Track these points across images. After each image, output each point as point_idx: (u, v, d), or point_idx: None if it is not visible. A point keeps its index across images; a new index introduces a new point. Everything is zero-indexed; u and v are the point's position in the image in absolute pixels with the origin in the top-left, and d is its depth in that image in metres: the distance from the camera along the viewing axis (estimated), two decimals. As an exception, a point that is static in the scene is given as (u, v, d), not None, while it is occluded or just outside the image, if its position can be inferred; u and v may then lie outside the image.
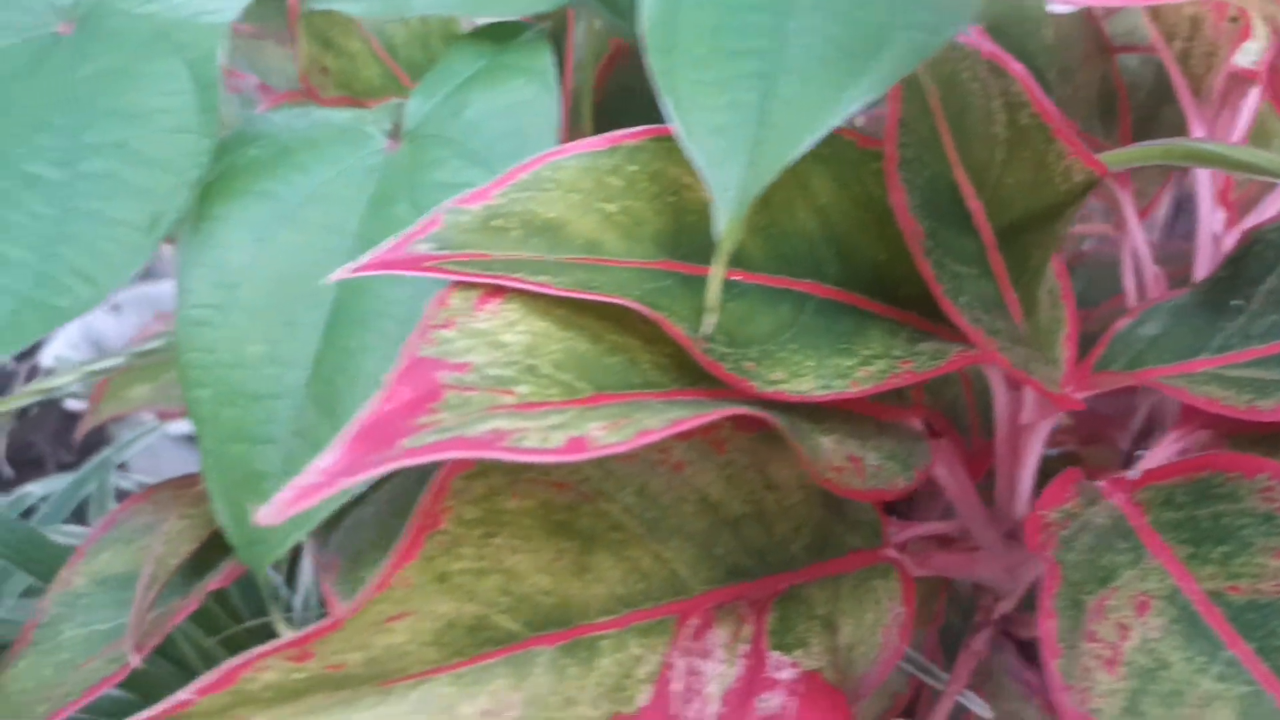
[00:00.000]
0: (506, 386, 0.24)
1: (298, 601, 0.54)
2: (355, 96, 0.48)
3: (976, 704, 0.40)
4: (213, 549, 0.40)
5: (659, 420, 0.23)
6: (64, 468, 0.70)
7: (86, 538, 0.55)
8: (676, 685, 0.28)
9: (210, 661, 0.49)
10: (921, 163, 0.32)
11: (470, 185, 0.35)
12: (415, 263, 0.25)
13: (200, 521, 0.39)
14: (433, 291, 0.35)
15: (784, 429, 0.26)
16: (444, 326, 0.24)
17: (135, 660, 0.36)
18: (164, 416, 0.67)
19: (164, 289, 0.98)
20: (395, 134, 0.36)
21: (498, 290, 0.25)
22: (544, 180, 0.27)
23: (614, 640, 0.28)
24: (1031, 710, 0.45)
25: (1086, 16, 0.50)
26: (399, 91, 0.49)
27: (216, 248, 0.35)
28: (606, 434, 0.22)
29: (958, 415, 0.45)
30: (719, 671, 0.29)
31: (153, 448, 0.70)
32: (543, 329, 0.25)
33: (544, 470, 0.27)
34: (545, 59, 0.35)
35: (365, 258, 0.25)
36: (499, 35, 0.36)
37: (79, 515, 0.65)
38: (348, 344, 0.34)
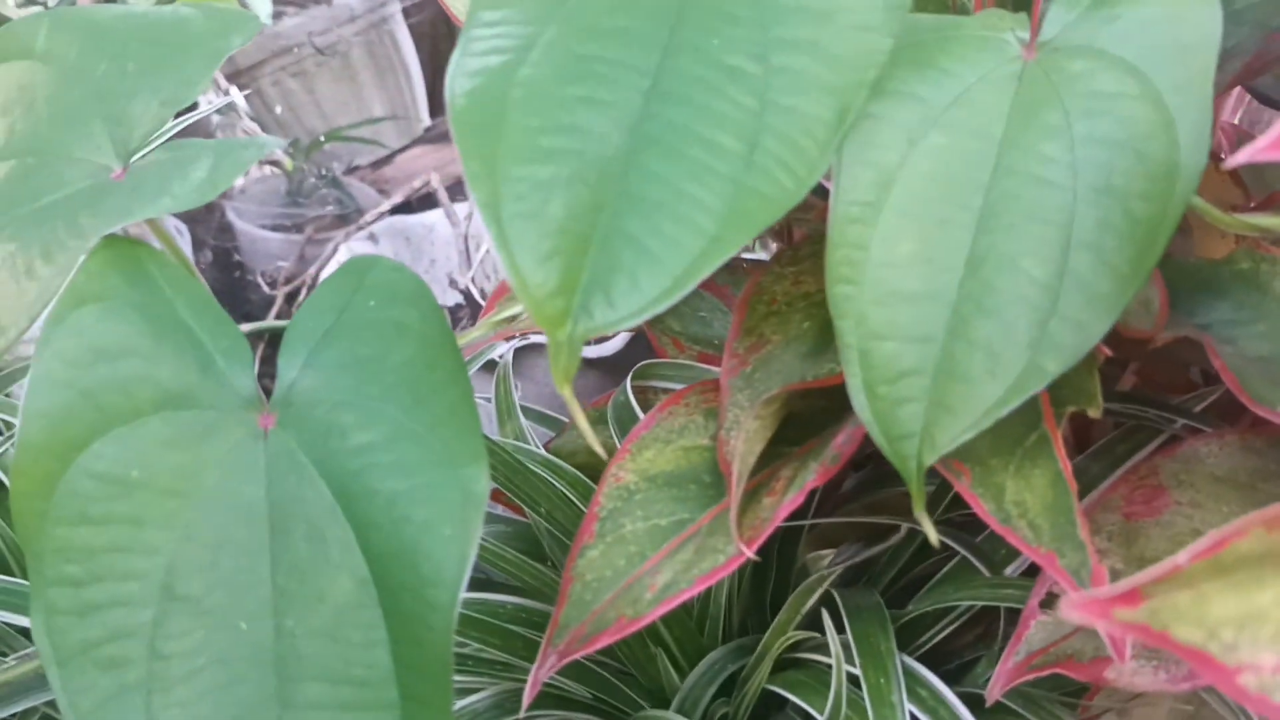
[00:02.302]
0: None
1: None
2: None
3: None
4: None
5: None
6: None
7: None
8: None
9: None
10: None
11: (1127, 96, 0.35)
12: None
13: (769, 422, 0.40)
14: (1082, 201, 0.35)
15: None
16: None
17: (748, 552, 0.37)
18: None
19: (412, 221, 0.99)
20: (1028, 43, 0.37)
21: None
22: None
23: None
24: None
25: None
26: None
27: (874, 146, 0.35)
28: None
29: None
30: None
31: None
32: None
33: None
34: (1199, -28, 0.35)
35: (1262, 140, 0.26)
36: (1138, -52, 0.36)
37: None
38: (1005, 247, 0.34)
